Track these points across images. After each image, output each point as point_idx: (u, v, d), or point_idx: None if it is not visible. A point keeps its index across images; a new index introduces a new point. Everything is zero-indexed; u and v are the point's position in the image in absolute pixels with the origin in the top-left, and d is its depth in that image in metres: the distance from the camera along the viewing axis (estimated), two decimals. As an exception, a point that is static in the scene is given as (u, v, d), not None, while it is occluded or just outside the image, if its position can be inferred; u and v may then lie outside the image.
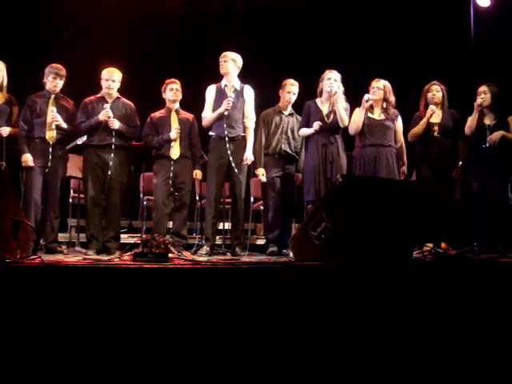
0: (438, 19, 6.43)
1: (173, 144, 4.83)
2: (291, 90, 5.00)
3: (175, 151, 4.84)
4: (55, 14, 6.26)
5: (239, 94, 4.81)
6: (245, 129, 4.82)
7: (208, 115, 4.81)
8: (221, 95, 4.78)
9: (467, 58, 6.37)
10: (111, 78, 4.80)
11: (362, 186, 3.54)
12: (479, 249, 4.34)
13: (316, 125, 4.61)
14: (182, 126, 4.90)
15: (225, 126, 4.67)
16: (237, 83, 4.84)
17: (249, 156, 4.78)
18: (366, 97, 4.68)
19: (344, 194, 3.32)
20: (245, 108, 4.82)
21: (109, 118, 4.68)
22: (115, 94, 4.88)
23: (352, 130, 4.74)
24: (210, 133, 4.80)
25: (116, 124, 4.71)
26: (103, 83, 4.80)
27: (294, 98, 5.03)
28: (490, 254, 4.13)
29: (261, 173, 4.93)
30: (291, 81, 5.03)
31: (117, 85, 4.85)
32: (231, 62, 4.78)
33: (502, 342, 2.78)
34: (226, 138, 4.67)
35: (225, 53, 4.82)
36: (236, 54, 4.84)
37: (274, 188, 4.91)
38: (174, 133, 4.82)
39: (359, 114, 4.71)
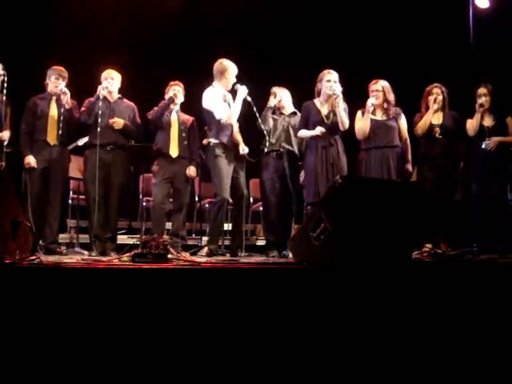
0: (438, 20, 6.45)
1: (172, 141, 4.83)
2: (275, 94, 5.06)
3: (174, 148, 4.84)
4: (55, 16, 6.27)
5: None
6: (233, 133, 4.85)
7: (228, 110, 4.73)
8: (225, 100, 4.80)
9: (466, 59, 6.38)
10: (109, 76, 4.85)
11: (361, 186, 3.54)
12: (478, 250, 4.35)
13: (318, 130, 4.58)
14: (182, 128, 4.91)
15: (228, 133, 4.70)
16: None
17: (244, 147, 4.80)
18: (369, 103, 4.69)
19: (343, 194, 3.32)
20: None
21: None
22: (116, 95, 4.90)
23: (360, 136, 4.75)
24: (213, 140, 4.73)
25: (120, 123, 4.73)
26: (103, 83, 4.81)
27: (283, 100, 5.06)
28: (489, 255, 4.13)
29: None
30: (274, 88, 5.09)
31: (116, 83, 4.88)
32: None
33: (501, 342, 2.78)
34: (231, 147, 4.72)
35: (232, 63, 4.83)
36: None
37: (273, 189, 4.91)
38: (172, 93, 4.84)
39: (365, 120, 4.71)
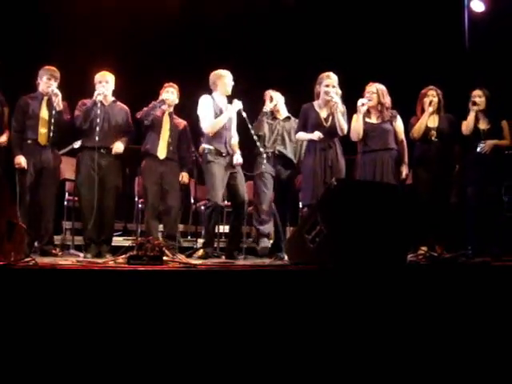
0: (434, 24, 6.47)
1: (160, 142, 4.81)
2: (270, 97, 5.07)
3: (162, 150, 4.81)
4: (54, 16, 6.26)
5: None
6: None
7: (215, 120, 4.73)
8: (219, 110, 4.80)
9: (462, 62, 6.41)
10: (104, 80, 4.79)
11: (357, 189, 3.55)
12: (473, 252, 4.35)
13: (316, 135, 4.57)
14: (173, 131, 4.89)
15: (221, 139, 4.71)
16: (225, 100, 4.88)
17: (238, 158, 4.82)
18: (360, 102, 4.69)
19: (339, 197, 3.33)
20: (232, 126, 4.88)
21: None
22: (110, 97, 4.87)
23: (354, 137, 4.75)
24: (207, 146, 4.75)
25: (121, 148, 4.73)
26: (97, 87, 4.76)
27: (278, 104, 5.09)
28: (483, 257, 4.14)
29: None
30: (269, 92, 5.11)
31: (110, 86, 4.84)
32: None
33: (495, 344, 2.79)
34: (226, 154, 4.73)
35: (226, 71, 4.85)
36: None
37: (266, 182, 4.91)
38: (165, 96, 4.84)
39: (357, 120, 4.70)
